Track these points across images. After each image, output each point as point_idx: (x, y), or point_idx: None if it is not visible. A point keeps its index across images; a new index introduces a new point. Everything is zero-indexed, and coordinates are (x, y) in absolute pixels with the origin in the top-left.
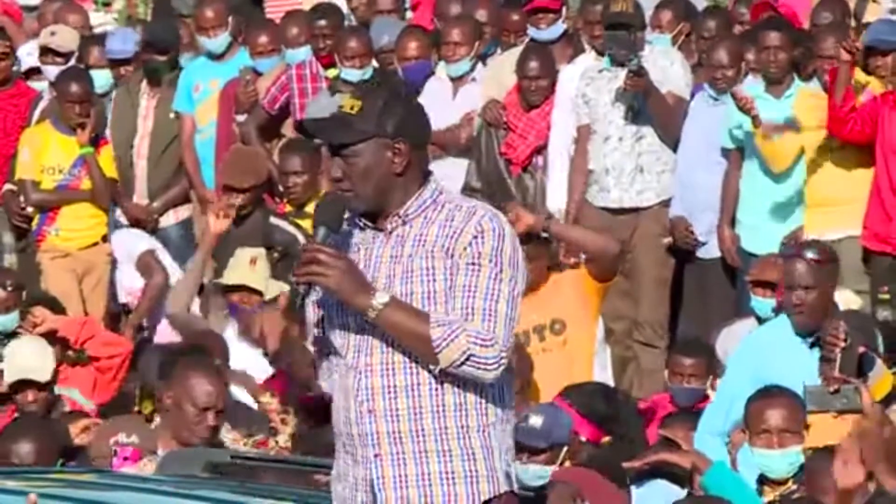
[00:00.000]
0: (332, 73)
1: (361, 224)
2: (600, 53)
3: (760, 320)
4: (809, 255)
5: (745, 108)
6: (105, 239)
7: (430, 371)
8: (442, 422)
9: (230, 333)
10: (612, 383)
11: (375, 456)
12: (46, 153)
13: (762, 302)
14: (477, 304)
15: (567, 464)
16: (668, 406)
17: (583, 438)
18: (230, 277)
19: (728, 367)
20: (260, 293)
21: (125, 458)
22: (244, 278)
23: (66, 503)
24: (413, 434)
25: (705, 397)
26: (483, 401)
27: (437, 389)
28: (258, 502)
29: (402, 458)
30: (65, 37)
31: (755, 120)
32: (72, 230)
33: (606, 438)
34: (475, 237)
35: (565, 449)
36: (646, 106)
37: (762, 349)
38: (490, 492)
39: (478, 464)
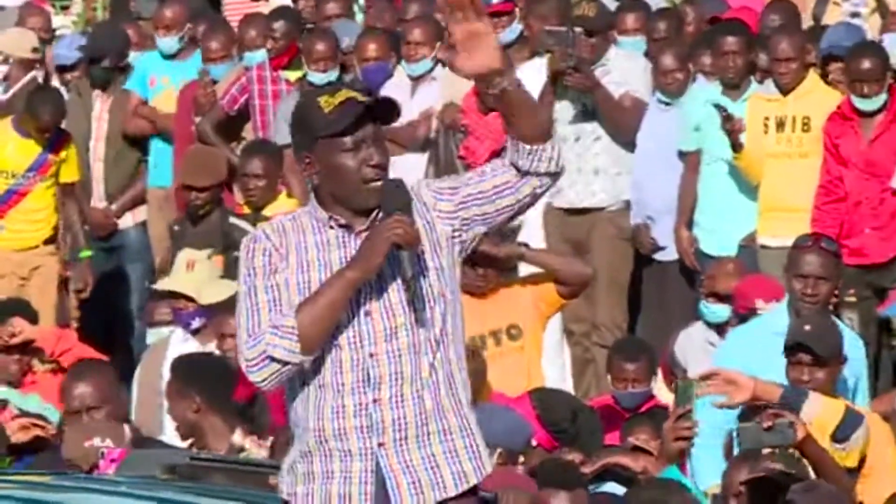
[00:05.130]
0: (291, 75)
1: (331, 224)
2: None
3: (711, 325)
4: (826, 246)
5: (732, 130)
6: (48, 241)
7: (427, 352)
8: (438, 401)
9: (178, 335)
10: (570, 384)
11: (380, 445)
12: (2, 154)
13: (713, 310)
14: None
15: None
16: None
17: (534, 442)
18: (165, 283)
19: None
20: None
21: (112, 461)
22: (175, 284)
23: None
24: (417, 418)
25: (651, 397)
26: (464, 377)
27: (432, 369)
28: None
29: (405, 444)
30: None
31: (737, 147)
32: (16, 231)
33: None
34: (435, 196)
35: (498, 451)
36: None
37: (750, 348)
38: (490, 466)
39: (476, 438)
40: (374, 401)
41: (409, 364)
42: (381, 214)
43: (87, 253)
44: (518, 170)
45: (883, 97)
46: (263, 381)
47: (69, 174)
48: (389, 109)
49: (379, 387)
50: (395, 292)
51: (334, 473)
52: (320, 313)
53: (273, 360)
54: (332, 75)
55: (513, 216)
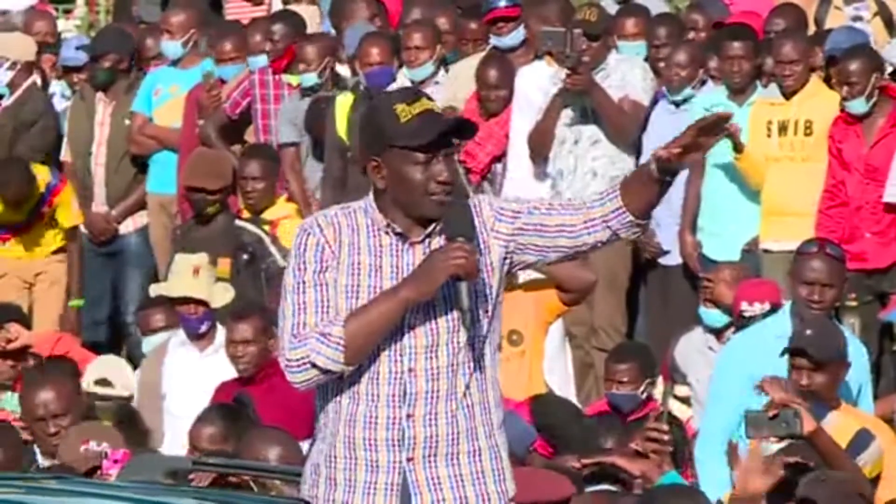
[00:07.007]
0: (293, 79)
1: (387, 230)
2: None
3: (710, 330)
4: (831, 252)
5: (730, 132)
6: (55, 252)
7: (465, 373)
8: (472, 422)
9: (176, 339)
10: (573, 389)
11: (409, 460)
12: None
13: (711, 315)
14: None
15: None
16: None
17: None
18: (174, 289)
19: (716, 373)
20: (205, 303)
21: (115, 461)
22: (189, 289)
23: None
24: (449, 437)
25: (647, 400)
26: (499, 399)
27: (468, 390)
28: None
29: (434, 460)
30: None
31: (739, 146)
32: (24, 244)
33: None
34: (495, 216)
35: None
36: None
37: (752, 351)
38: (513, 489)
39: (503, 462)
40: (408, 416)
41: (446, 382)
42: (440, 229)
43: (77, 303)
44: (604, 223)
45: (864, 100)
46: (300, 383)
47: (67, 220)
48: (467, 129)
49: (414, 403)
50: (442, 310)
51: (358, 483)
52: (369, 328)
53: (314, 366)
54: (311, 78)
55: (563, 259)
